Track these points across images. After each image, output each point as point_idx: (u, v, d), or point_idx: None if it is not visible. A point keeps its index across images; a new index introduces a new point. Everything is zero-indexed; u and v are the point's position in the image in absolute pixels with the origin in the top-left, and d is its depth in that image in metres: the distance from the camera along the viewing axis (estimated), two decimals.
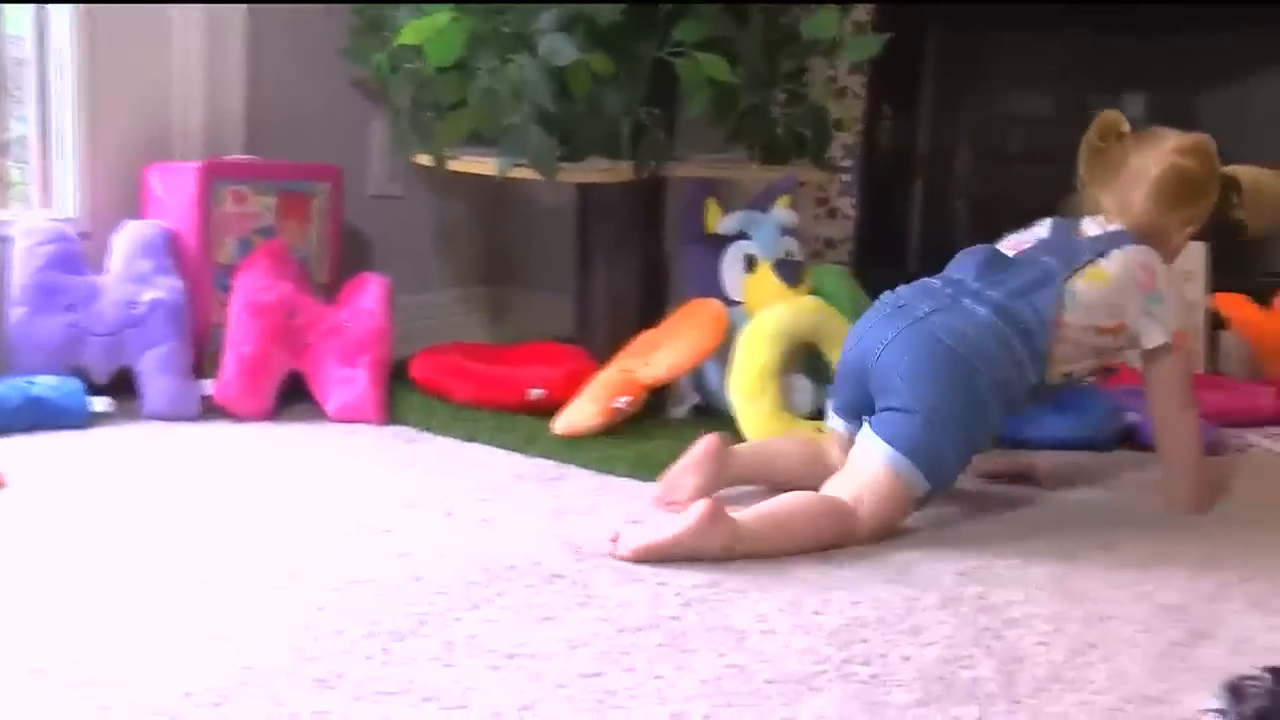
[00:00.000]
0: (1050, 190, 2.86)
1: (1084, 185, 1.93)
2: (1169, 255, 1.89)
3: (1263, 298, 2.77)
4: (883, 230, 3.10)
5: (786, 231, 2.30)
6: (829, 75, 2.88)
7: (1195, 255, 2.81)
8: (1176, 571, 1.62)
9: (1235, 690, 1.11)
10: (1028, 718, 1.21)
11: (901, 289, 1.83)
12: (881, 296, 1.84)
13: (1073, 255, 1.82)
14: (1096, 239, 1.84)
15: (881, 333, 1.76)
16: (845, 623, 1.41)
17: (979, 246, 1.88)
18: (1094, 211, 1.90)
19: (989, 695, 1.25)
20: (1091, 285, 1.79)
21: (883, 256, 3.08)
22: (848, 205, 3.05)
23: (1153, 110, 3.24)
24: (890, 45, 2.47)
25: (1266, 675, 1.12)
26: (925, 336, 1.73)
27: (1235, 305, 2.76)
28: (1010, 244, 1.89)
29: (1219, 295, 2.78)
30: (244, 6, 2.42)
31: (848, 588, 1.52)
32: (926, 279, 1.84)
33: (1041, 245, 1.86)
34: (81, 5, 2.24)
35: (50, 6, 2.25)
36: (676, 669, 1.28)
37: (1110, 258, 1.81)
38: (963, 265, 1.85)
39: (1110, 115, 1.91)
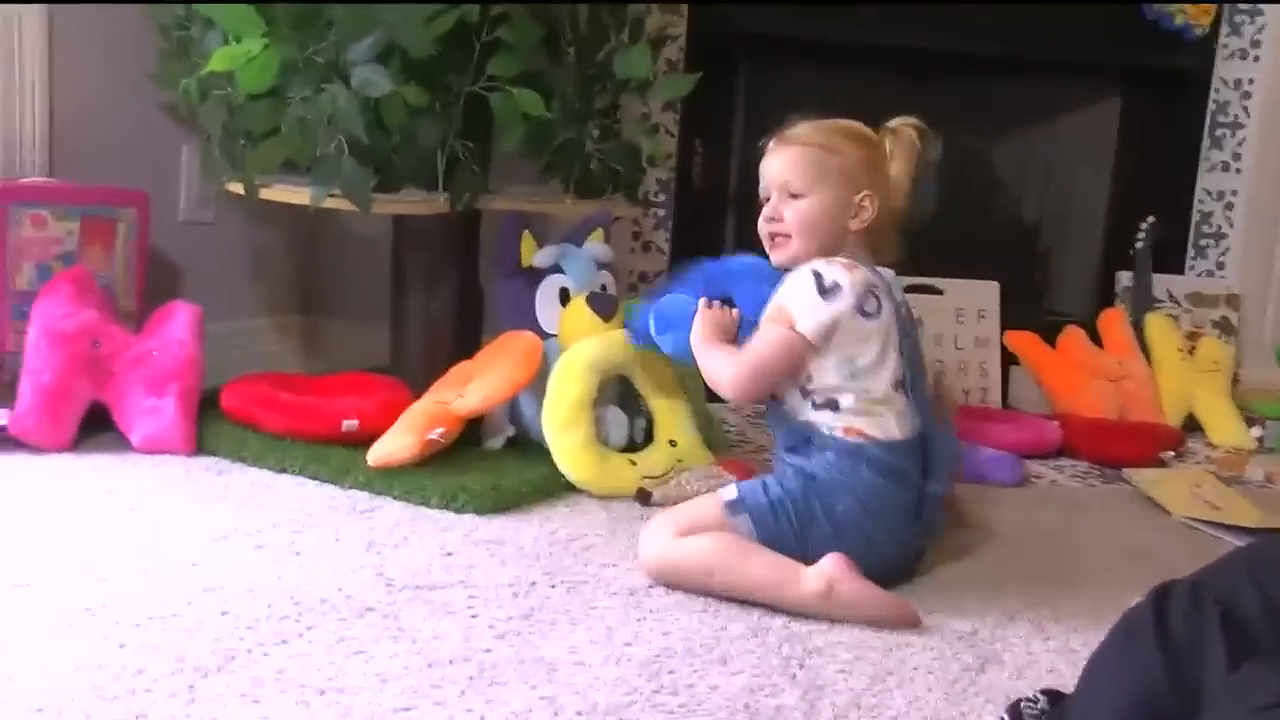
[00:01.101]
0: None
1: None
2: None
3: (1049, 336, 2.92)
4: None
5: (600, 265, 2.34)
6: (642, 112, 2.93)
7: (989, 294, 2.96)
8: (967, 599, 1.70)
9: (1015, 713, 1.18)
10: None
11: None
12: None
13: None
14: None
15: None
16: (655, 653, 1.44)
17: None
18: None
19: None
20: None
21: None
22: (662, 239, 3.11)
23: (948, 153, 3.40)
24: (701, 84, 2.53)
25: (1042, 697, 1.19)
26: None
27: (1024, 342, 2.90)
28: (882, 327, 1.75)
29: (1009, 333, 2.93)
30: (45, 25, 2.35)
31: (658, 619, 1.55)
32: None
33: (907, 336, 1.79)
34: None
35: None
36: (487, 702, 1.29)
37: None
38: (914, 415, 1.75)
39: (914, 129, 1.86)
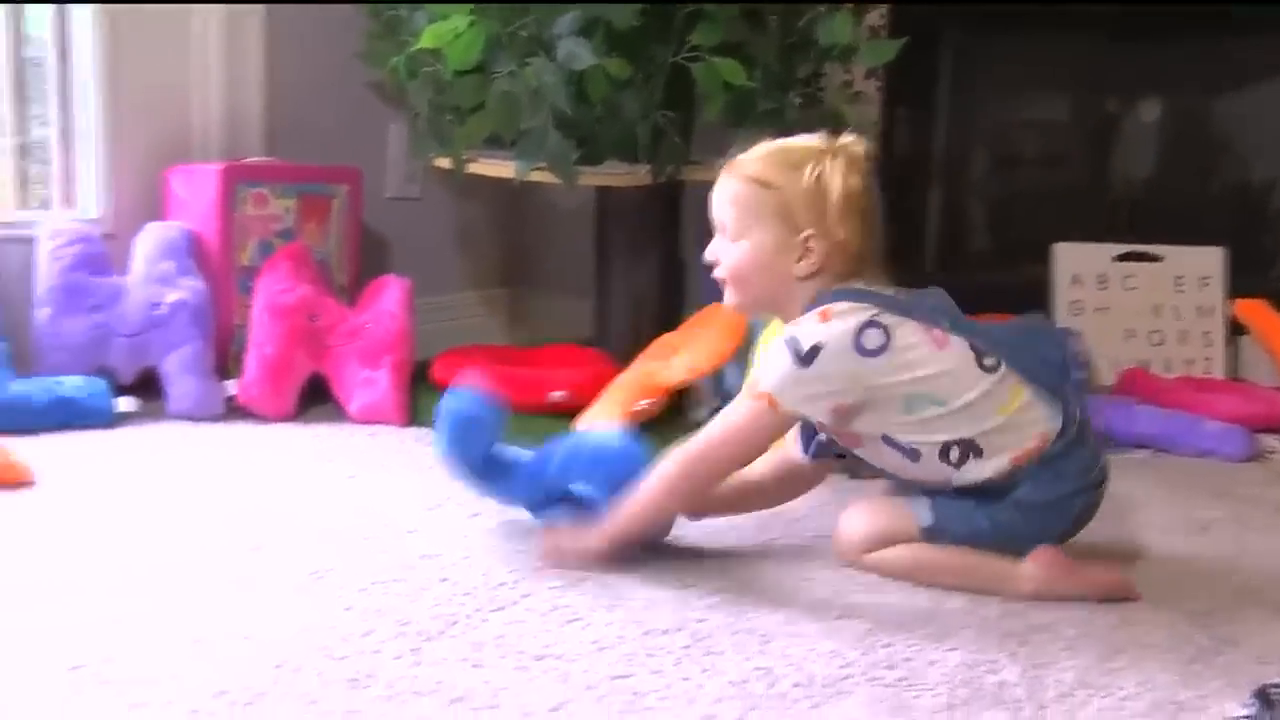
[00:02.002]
0: (1064, 192, 2.85)
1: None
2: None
3: None
4: (898, 234, 3.09)
5: None
6: (844, 79, 2.88)
7: (1212, 261, 2.83)
8: (1200, 578, 1.62)
9: (1264, 697, 1.12)
10: None
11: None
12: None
13: None
14: None
15: None
16: (870, 626, 1.42)
17: None
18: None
19: (1016, 700, 1.25)
20: None
21: (898, 261, 3.08)
22: None
23: (1166, 114, 3.26)
24: (905, 49, 2.47)
25: None
26: None
27: (1254, 311, 2.77)
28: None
29: (1238, 301, 2.79)
30: (262, 8, 2.43)
31: (872, 592, 1.52)
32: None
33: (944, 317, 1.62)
34: (101, 5, 2.25)
35: (70, 6, 2.27)
36: (703, 671, 1.29)
37: None
38: None
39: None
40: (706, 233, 2.33)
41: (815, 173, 1.52)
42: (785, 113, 2.40)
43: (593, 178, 2.29)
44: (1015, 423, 1.52)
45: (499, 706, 1.19)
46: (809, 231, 1.52)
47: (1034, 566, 1.52)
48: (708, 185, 2.36)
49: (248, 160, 2.37)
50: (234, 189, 2.26)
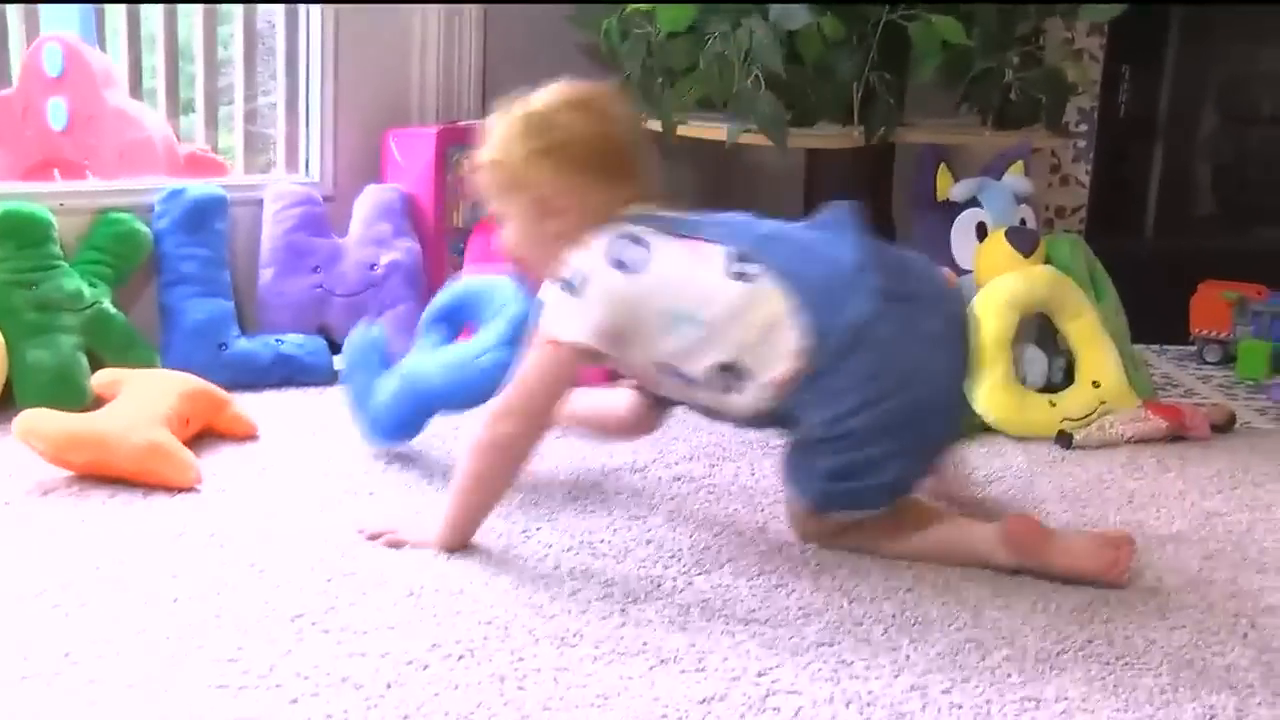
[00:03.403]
0: None
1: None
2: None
3: None
4: (1118, 198, 2.98)
5: (1020, 199, 2.23)
6: (1066, 36, 2.78)
7: None
8: None
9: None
10: None
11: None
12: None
13: None
14: None
15: None
16: (1086, 601, 1.38)
17: None
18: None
19: (1248, 686, 1.20)
20: None
21: (1117, 226, 2.97)
22: (1080, 172, 2.95)
23: None
24: (1132, 6, 2.36)
25: None
26: None
27: None
28: None
29: None
30: None
31: None
32: None
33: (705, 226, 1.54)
34: None
35: None
36: (911, 641, 1.27)
37: None
38: None
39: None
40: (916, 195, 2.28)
41: (530, 137, 1.48)
42: (1003, 72, 2.33)
43: (804, 139, 2.26)
44: (770, 341, 1.42)
45: (705, 670, 1.19)
46: (542, 193, 1.48)
47: (1002, 536, 1.45)
48: (919, 146, 2.32)
49: (461, 123, 2.41)
50: (447, 151, 2.30)
